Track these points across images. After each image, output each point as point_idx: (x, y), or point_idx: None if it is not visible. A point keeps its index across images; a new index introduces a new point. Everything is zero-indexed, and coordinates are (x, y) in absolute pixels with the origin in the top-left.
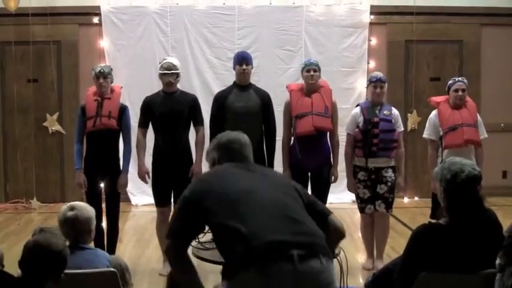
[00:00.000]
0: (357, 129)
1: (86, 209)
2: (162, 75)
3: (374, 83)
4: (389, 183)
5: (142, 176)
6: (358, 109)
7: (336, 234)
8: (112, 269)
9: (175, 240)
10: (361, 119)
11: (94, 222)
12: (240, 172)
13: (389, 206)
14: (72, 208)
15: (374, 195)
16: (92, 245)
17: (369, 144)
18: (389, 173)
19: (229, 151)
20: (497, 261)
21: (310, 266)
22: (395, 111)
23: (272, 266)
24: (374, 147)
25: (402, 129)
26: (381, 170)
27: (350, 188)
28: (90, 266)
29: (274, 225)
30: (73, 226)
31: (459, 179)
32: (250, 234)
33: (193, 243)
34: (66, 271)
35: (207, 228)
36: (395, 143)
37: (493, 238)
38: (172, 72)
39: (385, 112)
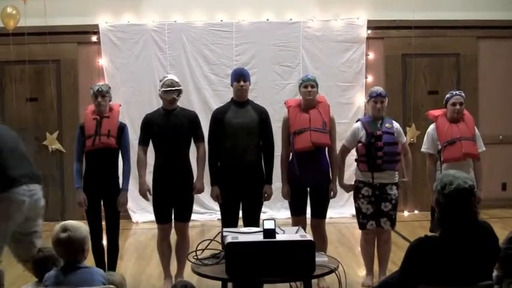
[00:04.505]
0: (360, 144)
1: (80, 228)
2: (165, 93)
3: (374, 98)
4: (393, 201)
5: (143, 193)
6: (359, 124)
7: None
8: (111, 286)
9: None
10: (363, 133)
11: (88, 241)
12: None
13: (393, 223)
14: (64, 229)
15: (377, 212)
16: (92, 263)
17: (373, 157)
18: (394, 191)
19: None
20: (495, 273)
21: (34, 188)
22: (396, 124)
23: (17, 189)
24: (379, 160)
25: (405, 139)
26: (385, 187)
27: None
28: (86, 284)
29: (20, 163)
30: (67, 247)
31: (447, 191)
32: (9, 169)
33: (193, 259)
34: None
35: (207, 243)
36: (399, 156)
37: (489, 250)
38: (175, 89)
39: (386, 125)
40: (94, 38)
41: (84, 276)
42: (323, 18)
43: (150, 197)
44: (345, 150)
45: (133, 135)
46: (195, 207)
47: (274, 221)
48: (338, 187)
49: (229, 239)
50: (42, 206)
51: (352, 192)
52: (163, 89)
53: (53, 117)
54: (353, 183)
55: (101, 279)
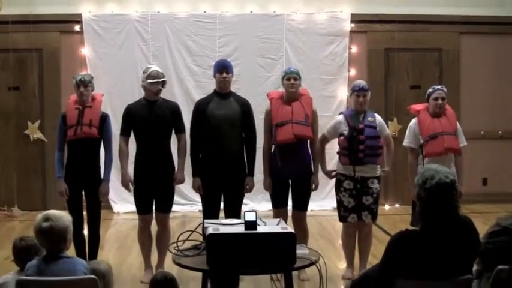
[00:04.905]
0: (342, 137)
1: (62, 218)
2: (151, 84)
3: (357, 92)
4: (374, 195)
5: (125, 184)
6: (341, 117)
7: None
8: (92, 276)
9: None
10: (345, 127)
11: (71, 231)
12: None
13: (374, 216)
14: (46, 219)
15: (359, 205)
16: (73, 252)
17: (355, 151)
18: (375, 185)
19: None
20: (475, 268)
21: None
22: (378, 117)
23: None
24: (360, 153)
25: (388, 131)
26: (367, 180)
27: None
28: (68, 274)
29: None
30: (49, 237)
31: (428, 185)
32: None
33: (173, 250)
34: (45, 279)
35: (188, 234)
36: (381, 150)
37: (469, 245)
38: (161, 80)
39: (369, 119)
40: (77, 28)
41: (66, 266)
42: (307, 11)
43: (132, 188)
44: (324, 140)
45: (116, 126)
46: (176, 199)
47: (256, 212)
48: (320, 179)
49: (210, 231)
50: None
51: (333, 185)
52: (149, 80)
53: (35, 106)
54: (333, 172)
55: (82, 270)
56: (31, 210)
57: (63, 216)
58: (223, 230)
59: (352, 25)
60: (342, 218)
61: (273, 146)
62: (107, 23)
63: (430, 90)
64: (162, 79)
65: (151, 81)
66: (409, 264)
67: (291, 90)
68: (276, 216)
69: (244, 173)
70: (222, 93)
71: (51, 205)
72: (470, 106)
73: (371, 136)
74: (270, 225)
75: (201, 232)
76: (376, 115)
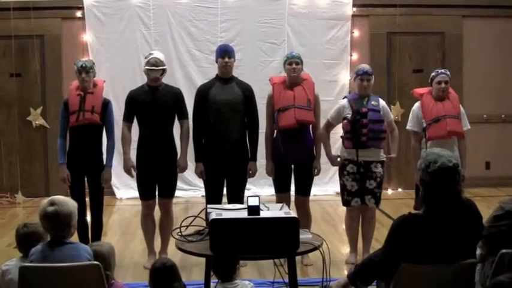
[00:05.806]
0: (345, 121)
1: (67, 204)
2: (148, 71)
3: (361, 76)
4: (378, 179)
5: (128, 169)
6: (345, 101)
7: None
8: (96, 262)
9: None
10: (349, 111)
11: (75, 217)
12: None
13: (378, 200)
14: (52, 203)
15: (362, 190)
16: (76, 239)
17: (358, 134)
18: (379, 169)
19: None
20: (478, 252)
21: None
22: (382, 102)
23: None
24: (363, 137)
25: (392, 117)
26: (370, 164)
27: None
28: (72, 260)
29: None
30: (53, 221)
31: (431, 169)
32: None
33: (176, 236)
34: (48, 265)
35: (191, 219)
36: (384, 134)
37: (472, 228)
38: (159, 68)
39: (373, 103)
40: (78, 14)
41: (70, 252)
42: None
43: (134, 173)
44: (329, 125)
45: (118, 112)
46: (179, 184)
47: (259, 197)
48: (322, 164)
49: (213, 216)
50: None
51: (336, 170)
52: (147, 67)
53: (37, 92)
54: (339, 158)
55: (86, 255)
56: (34, 196)
57: (68, 202)
58: (226, 215)
59: (354, 9)
60: (345, 202)
61: (275, 131)
62: (108, 9)
63: (433, 74)
64: (161, 67)
65: (149, 68)
66: (412, 248)
67: (293, 75)
68: (279, 201)
69: (247, 158)
70: (224, 78)
71: (54, 191)
72: (473, 90)
73: (374, 120)
74: (273, 210)
75: (204, 217)
76: (380, 100)
